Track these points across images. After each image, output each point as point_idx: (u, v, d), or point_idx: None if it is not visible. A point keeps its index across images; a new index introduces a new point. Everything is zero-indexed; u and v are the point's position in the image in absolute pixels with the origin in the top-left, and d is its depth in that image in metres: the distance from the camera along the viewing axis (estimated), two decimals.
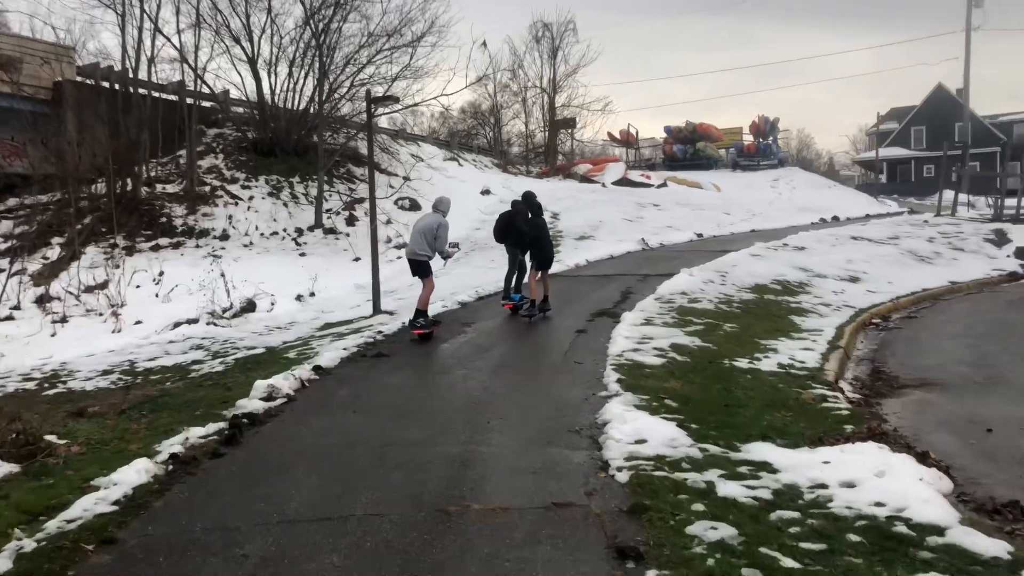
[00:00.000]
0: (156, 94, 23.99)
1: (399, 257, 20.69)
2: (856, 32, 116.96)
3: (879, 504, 4.70)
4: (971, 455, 6.32)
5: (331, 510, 4.91)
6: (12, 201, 20.87)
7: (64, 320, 15.22)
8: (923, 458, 5.48)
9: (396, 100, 14.82)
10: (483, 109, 41.85)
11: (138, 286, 17.09)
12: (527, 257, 12.25)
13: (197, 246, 20.40)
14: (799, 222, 27.73)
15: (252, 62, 25.43)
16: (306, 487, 5.35)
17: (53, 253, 18.78)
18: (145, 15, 22.83)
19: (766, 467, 5.35)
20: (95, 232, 19.70)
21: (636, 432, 5.99)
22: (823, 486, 5.01)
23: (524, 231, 11.90)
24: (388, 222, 22.98)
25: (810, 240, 20.85)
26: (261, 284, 16.83)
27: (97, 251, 18.92)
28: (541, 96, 36.40)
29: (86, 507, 5.06)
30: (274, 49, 26.02)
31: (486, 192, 28.82)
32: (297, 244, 21.74)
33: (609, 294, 13.96)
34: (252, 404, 7.37)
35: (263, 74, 26.02)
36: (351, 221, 23.20)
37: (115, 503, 5.14)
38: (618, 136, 39.48)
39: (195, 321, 14.42)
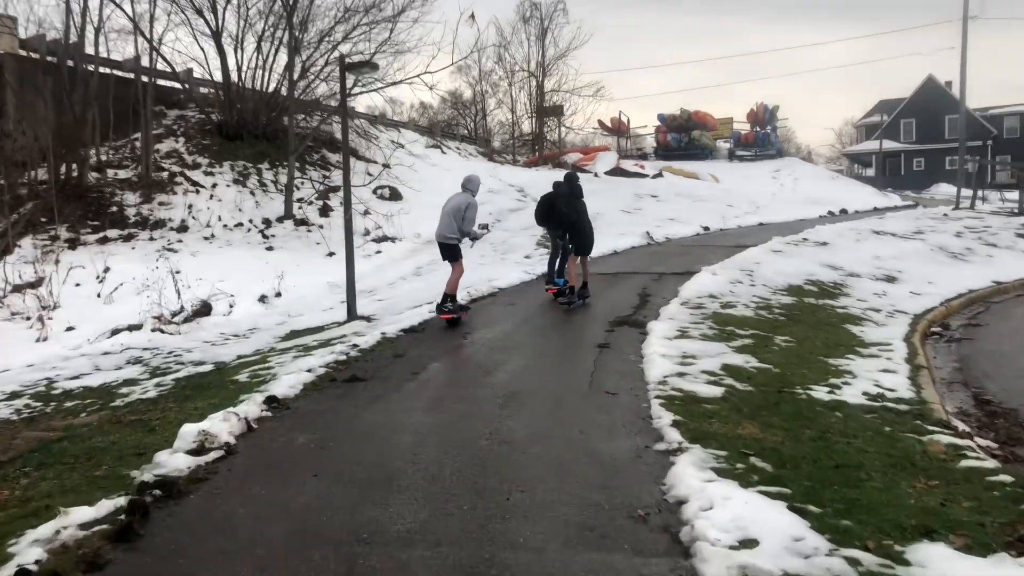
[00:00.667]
0: (108, 70, 21.62)
1: (378, 252, 18.60)
2: (839, 26, 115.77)
3: None
4: None
5: None
6: None
7: None
8: None
9: (374, 67, 12.73)
10: (464, 99, 39.73)
11: (77, 284, 14.84)
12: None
13: (151, 238, 18.16)
14: (807, 215, 25.98)
15: (216, 36, 23.11)
16: None
17: None
18: None
19: None
20: (33, 223, 17.39)
21: (736, 524, 3.99)
22: None
23: (564, 212, 11.33)
24: (366, 213, 20.85)
25: (830, 235, 19.03)
26: (220, 282, 14.68)
27: (34, 244, 16.63)
28: (528, 81, 34.35)
29: None
30: (240, 22, 23.75)
31: None
32: (264, 237, 19.54)
33: (624, 296, 11.96)
34: (173, 461, 5.28)
35: (229, 50, 23.78)
36: (325, 212, 21.01)
37: None
38: (609, 124, 37.49)
39: (138, 328, 12.25)
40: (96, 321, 12.91)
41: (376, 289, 15.09)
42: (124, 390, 8.73)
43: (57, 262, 15.54)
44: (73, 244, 17.02)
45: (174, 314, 12.87)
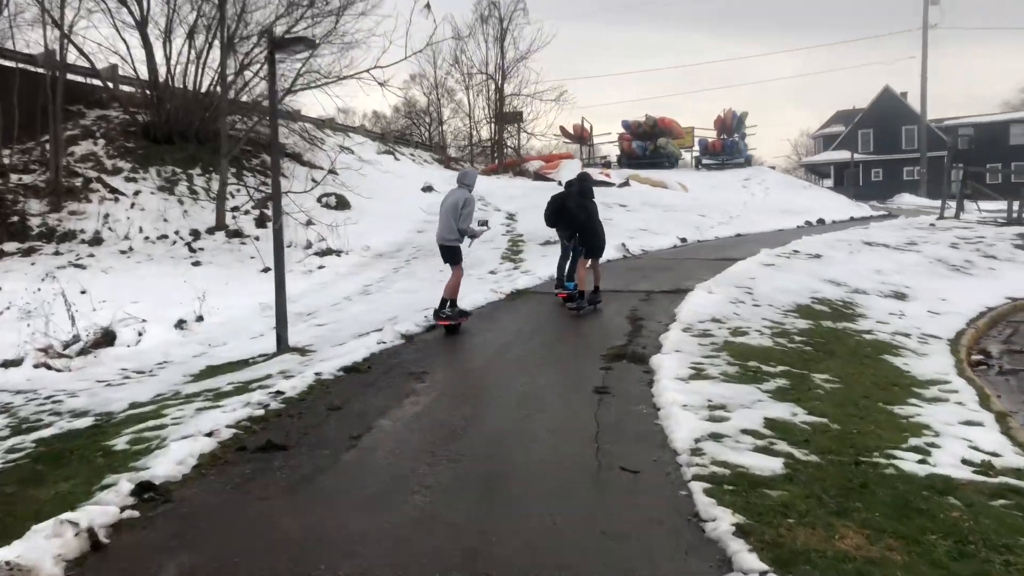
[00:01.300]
0: (14, 64, 19.11)
1: (321, 267, 16.43)
2: (792, 38, 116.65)
3: None
4: None
5: None
6: None
7: None
8: None
9: (310, 44, 10.72)
10: (419, 108, 37.66)
11: None
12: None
13: (57, 252, 15.72)
14: (784, 225, 24.50)
15: (141, 27, 20.72)
16: None
17: None
18: None
19: None
20: None
21: None
22: None
23: (574, 213, 10.89)
24: (309, 223, 18.64)
25: (820, 246, 17.46)
26: (132, 304, 12.44)
27: None
28: (487, 84, 32.44)
29: None
30: (169, 11, 21.37)
31: (428, 189, 24.71)
32: (192, 250, 17.21)
33: (613, 321, 10.06)
34: None
35: (157, 44, 21.35)
36: (262, 222, 18.73)
37: None
38: (571, 131, 35.80)
39: (16, 363, 9.94)
40: None
41: (317, 311, 12.95)
42: None
43: None
44: None
45: (66, 345, 10.58)
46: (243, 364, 9.60)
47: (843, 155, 63.72)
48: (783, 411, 6.12)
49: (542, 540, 3.98)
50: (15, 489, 5.30)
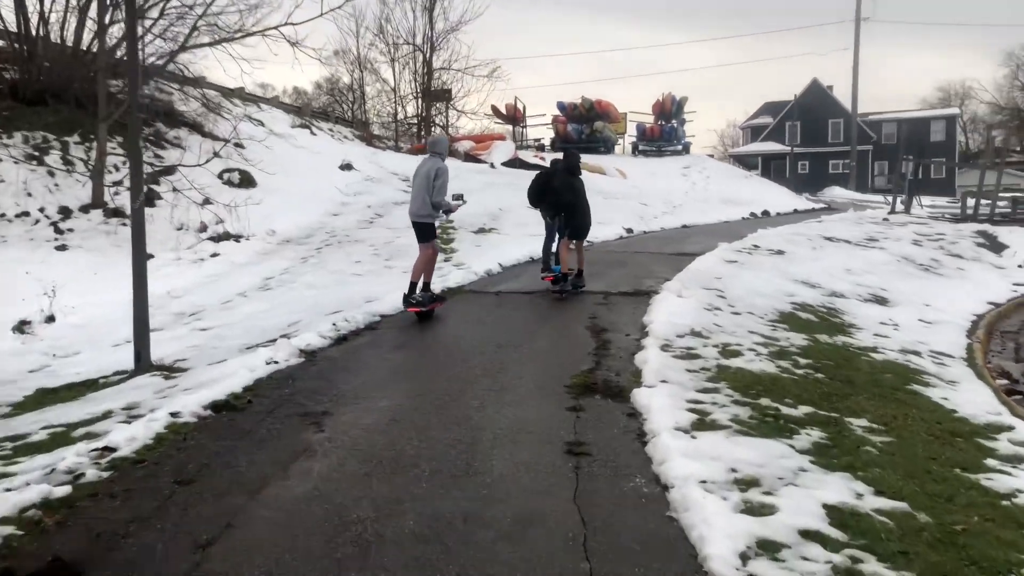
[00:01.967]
0: None
1: (215, 255, 13.94)
2: (719, 28, 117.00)
3: None
4: None
5: None
6: None
7: None
8: None
9: None
10: (342, 85, 34.78)
11: None
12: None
13: None
14: (730, 216, 23.09)
15: None
16: None
17: None
18: None
19: None
20: None
21: None
22: None
23: (560, 192, 10.26)
24: (206, 203, 16.05)
25: (779, 241, 15.98)
26: None
27: None
28: (414, 56, 29.98)
29: None
30: None
31: (347, 167, 22.26)
32: (59, 231, 14.45)
33: (572, 333, 8.10)
34: None
35: None
36: (150, 201, 16.03)
37: None
38: (503, 111, 33.68)
39: None
40: None
41: (203, 310, 10.57)
42: None
43: None
44: None
45: None
46: (88, 387, 7.27)
47: (773, 146, 63.68)
48: (841, 490, 4.25)
49: None
50: None
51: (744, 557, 3.44)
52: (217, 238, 14.61)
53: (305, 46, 16.71)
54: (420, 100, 30.15)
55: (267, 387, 6.32)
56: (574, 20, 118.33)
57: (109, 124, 15.71)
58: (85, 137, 17.87)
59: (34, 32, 18.56)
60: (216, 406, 5.78)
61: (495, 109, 33.04)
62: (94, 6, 18.27)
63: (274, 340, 8.13)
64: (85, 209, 15.28)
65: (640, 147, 34.49)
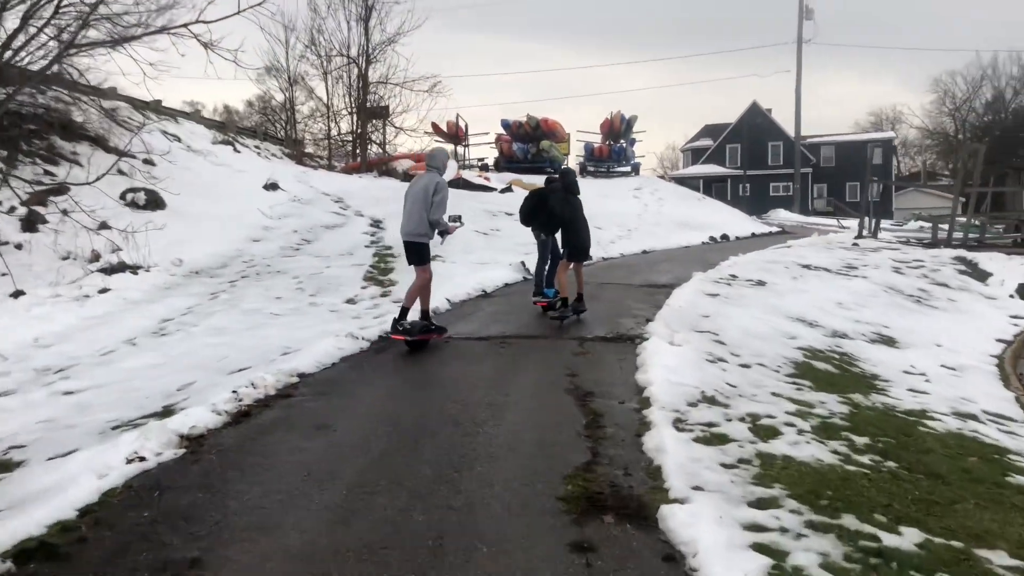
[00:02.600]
0: None
1: (104, 290, 11.61)
2: (657, 50, 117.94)
3: None
4: None
5: None
6: None
7: None
8: None
9: None
10: (274, 104, 32.18)
11: None
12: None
13: None
14: (690, 241, 21.69)
15: None
16: None
17: None
18: None
19: None
20: None
21: None
22: None
23: (556, 211, 9.63)
24: (103, 227, 13.75)
25: (754, 270, 14.50)
26: None
27: None
28: (349, 69, 27.92)
29: None
30: None
31: (272, 187, 20.05)
32: None
33: (549, 400, 6.21)
34: None
35: None
36: (31, 225, 13.57)
37: None
38: (444, 129, 31.83)
39: None
40: None
41: (74, 365, 8.31)
42: None
43: None
44: None
45: None
46: None
47: (715, 169, 63.44)
48: None
49: None
50: None
51: None
52: (110, 269, 12.28)
53: (220, 47, 14.57)
54: (355, 116, 28.06)
55: (120, 507, 4.27)
56: (509, 42, 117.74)
57: None
58: None
59: None
60: (26, 553, 3.71)
61: (436, 127, 31.19)
62: None
63: (156, 414, 6.06)
64: None
65: (588, 167, 33.03)
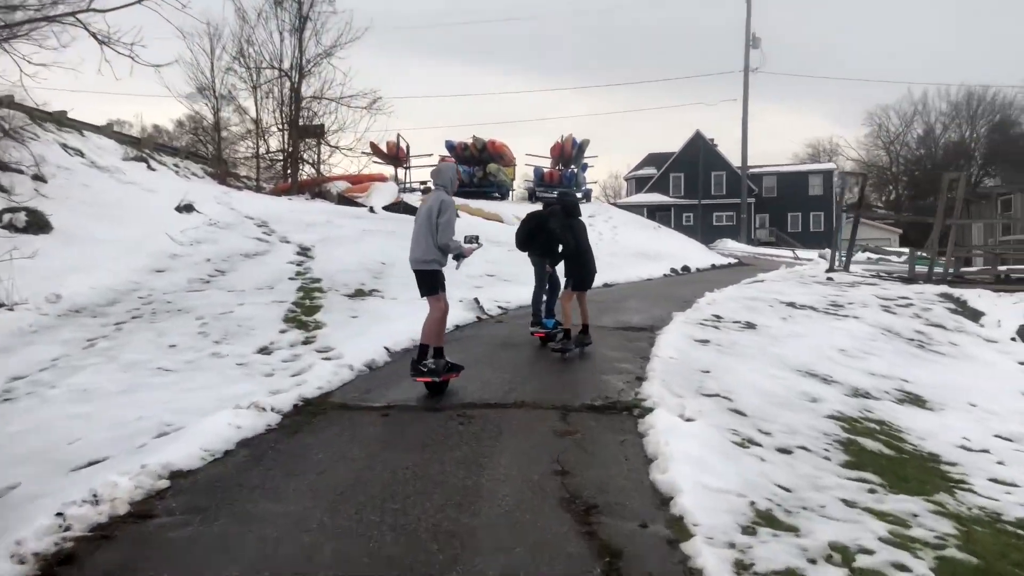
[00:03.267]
0: None
1: None
2: (605, 77, 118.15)
3: None
4: None
5: None
6: None
7: None
8: None
9: None
10: (206, 124, 29.17)
11: None
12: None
13: None
14: (651, 273, 20.06)
15: None
16: None
17: None
18: None
19: None
20: None
21: None
22: None
23: (557, 235, 9.00)
24: None
25: (737, 308, 12.84)
26: None
27: None
28: (281, 82, 25.69)
29: None
30: None
31: (187, 208, 17.60)
32: None
33: (533, 526, 4.19)
34: None
35: None
36: None
37: None
38: (384, 149, 29.75)
39: None
40: None
41: None
42: None
43: None
44: None
45: None
46: None
47: (659, 198, 62.76)
48: None
49: None
50: None
51: None
52: None
53: (120, 43, 12.26)
54: (286, 133, 25.78)
55: None
56: (450, 66, 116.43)
57: None
58: None
59: None
60: None
61: (375, 147, 29.07)
62: None
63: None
64: None
65: (538, 193, 31.31)
